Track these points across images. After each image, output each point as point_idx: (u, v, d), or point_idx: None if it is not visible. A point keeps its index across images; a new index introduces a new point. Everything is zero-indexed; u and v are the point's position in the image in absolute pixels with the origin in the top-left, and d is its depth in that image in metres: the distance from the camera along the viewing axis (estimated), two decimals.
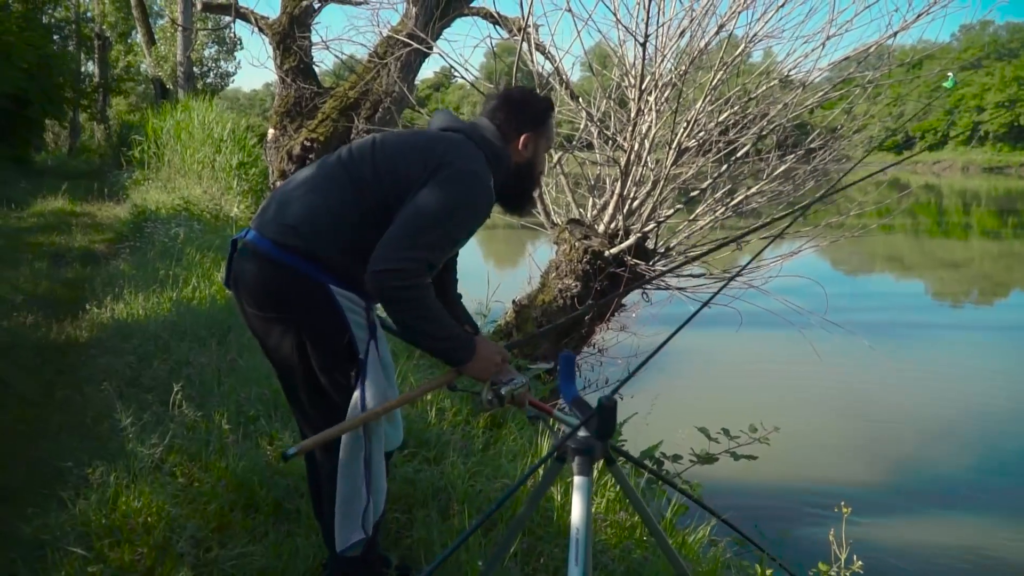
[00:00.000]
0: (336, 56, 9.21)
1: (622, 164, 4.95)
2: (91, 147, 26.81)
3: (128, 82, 30.19)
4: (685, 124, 4.97)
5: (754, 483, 5.00)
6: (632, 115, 4.97)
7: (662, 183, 5.03)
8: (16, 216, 10.90)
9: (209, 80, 28.79)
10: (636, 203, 5.20)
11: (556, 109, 4.73)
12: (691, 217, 5.45)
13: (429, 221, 1.97)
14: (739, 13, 4.80)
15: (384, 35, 8.22)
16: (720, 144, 5.25)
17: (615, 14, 4.97)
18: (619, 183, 5.03)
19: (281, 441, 3.30)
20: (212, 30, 22.70)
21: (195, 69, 23.25)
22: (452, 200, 2.00)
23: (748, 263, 2.45)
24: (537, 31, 5.53)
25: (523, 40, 5.27)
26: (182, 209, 9.73)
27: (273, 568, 2.51)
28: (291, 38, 8.97)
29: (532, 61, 5.46)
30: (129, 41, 29.47)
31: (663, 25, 4.87)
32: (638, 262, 5.08)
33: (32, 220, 10.74)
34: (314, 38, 9.18)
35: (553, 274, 5.26)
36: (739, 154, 5.37)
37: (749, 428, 4.46)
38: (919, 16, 4.81)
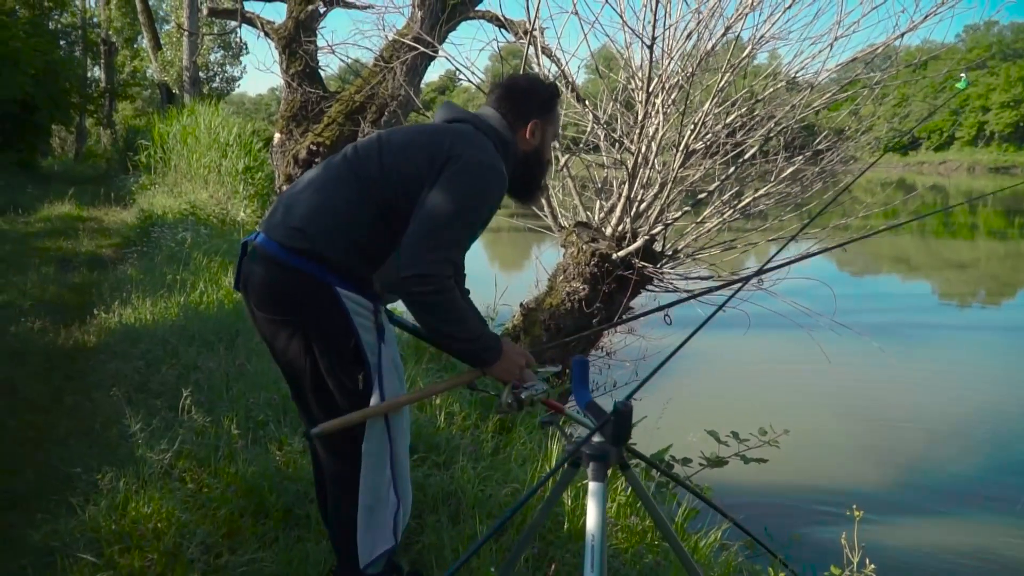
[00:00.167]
0: (342, 60, 9.20)
1: (629, 166, 4.93)
2: (97, 152, 26.94)
3: (134, 87, 30.32)
4: (692, 126, 4.95)
5: (763, 485, 4.98)
6: (639, 117, 4.95)
7: (669, 185, 5.01)
8: (23, 221, 10.94)
9: (215, 85, 28.97)
10: (643, 205, 5.18)
11: (563, 112, 4.72)
12: (699, 219, 5.43)
13: (446, 219, 1.96)
14: (746, 15, 4.78)
15: (390, 39, 8.23)
16: (727, 146, 5.23)
17: (621, 16, 4.96)
18: (626, 185, 5.02)
19: (291, 446, 3.29)
20: (218, 35, 22.79)
21: (201, 74, 23.32)
22: (465, 194, 1.99)
23: (763, 266, 2.43)
24: (543, 34, 5.53)
25: (529, 43, 5.26)
26: (189, 213, 9.76)
27: (283, 574, 2.51)
28: (297, 42, 8.99)
29: (538, 64, 5.45)
30: (135, 46, 29.65)
31: (670, 27, 4.86)
32: (646, 264, 5.06)
33: (39, 225, 10.78)
34: (320, 42, 9.22)
35: (561, 277, 5.24)
36: (747, 156, 5.35)
37: (759, 431, 4.44)
38: (927, 17, 4.78)
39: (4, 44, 14.93)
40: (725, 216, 5.30)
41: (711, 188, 5.37)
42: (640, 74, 5.00)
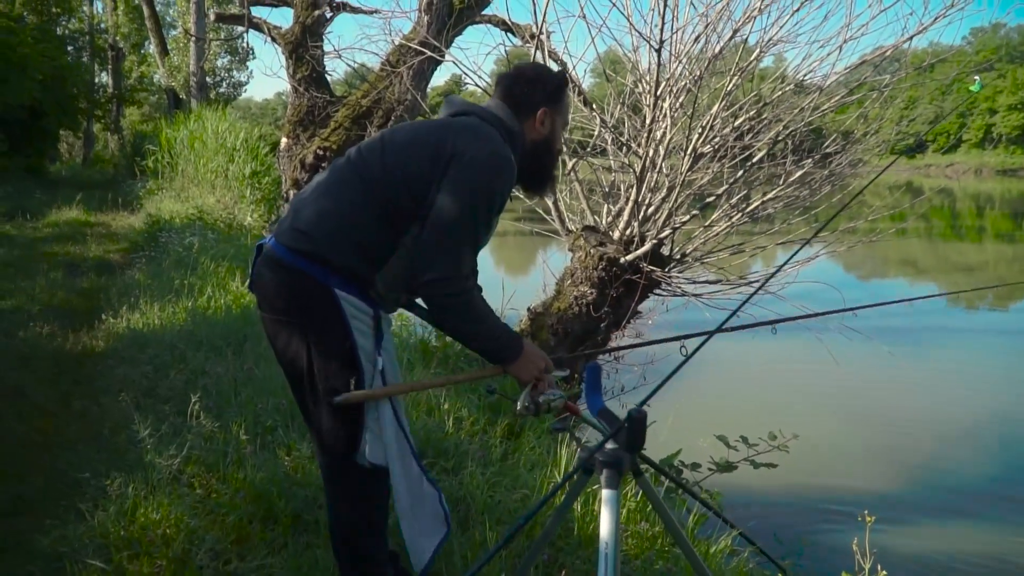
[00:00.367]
0: (348, 65, 9.24)
1: (637, 170, 4.92)
2: (105, 157, 27.04)
3: (141, 92, 30.47)
4: (700, 130, 4.94)
5: (772, 489, 4.95)
6: (647, 121, 4.94)
7: (677, 189, 5.00)
8: (31, 226, 10.99)
9: (222, 90, 29.05)
10: (651, 209, 5.17)
11: (571, 116, 4.71)
12: (707, 223, 5.41)
13: (458, 221, 1.96)
14: (754, 18, 4.76)
15: (396, 43, 8.22)
16: (735, 149, 5.21)
17: (629, 20, 4.95)
18: (634, 189, 5.00)
19: (299, 452, 3.29)
20: (225, 40, 22.86)
21: (208, 79, 23.41)
22: (472, 192, 1.99)
23: (777, 271, 2.41)
24: (550, 38, 5.51)
25: (536, 47, 5.25)
26: (196, 218, 9.78)
27: None
28: (304, 47, 8.99)
29: None
30: (142, 52, 29.75)
31: (678, 31, 4.84)
32: (654, 268, 5.04)
33: (47, 230, 10.82)
34: (326, 47, 9.19)
35: (568, 281, 5.23)
36: (755, 159, 5.33)
37: (768, 436, 4.41)
38: (936, 19, 4.77)
39: (12, 50, 15.00)
40: (733, 220, 5.28)
41: (719, 192, 5.35)
42: (648, 77, 4.99)
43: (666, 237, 5.22)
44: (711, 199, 5.41)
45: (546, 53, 5.43)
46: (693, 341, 1.95)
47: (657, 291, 5.38)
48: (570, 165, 5.48)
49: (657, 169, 5.01)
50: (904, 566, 4.34)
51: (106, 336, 5.42)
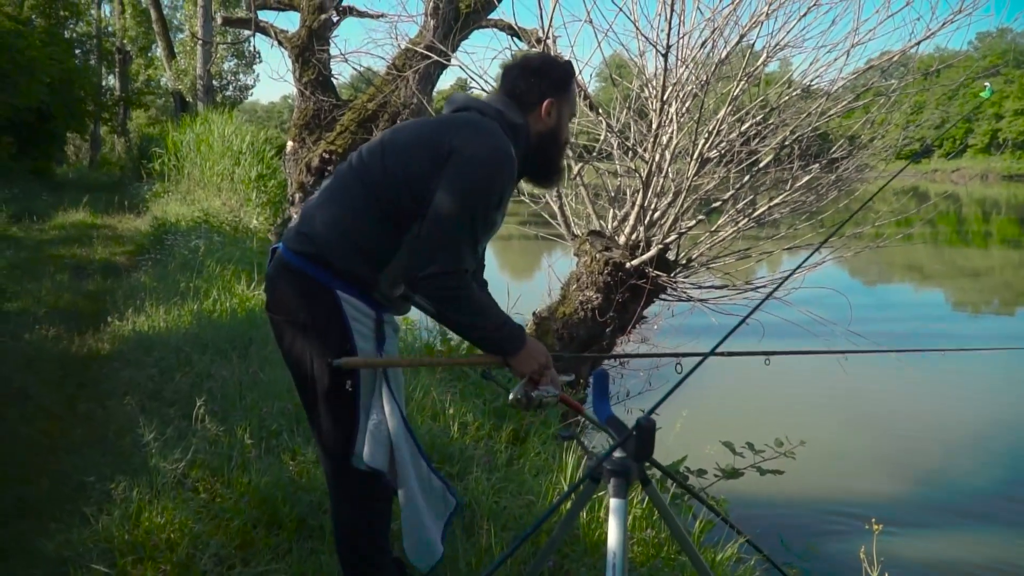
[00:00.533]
0: (355, 68, 9.18)
1: (643, 175, 4.91)
2: (112, 160, 27.13)
3: (148, 95, 30.57)
4: (706, 134, 4.92)
5: (779, 495, 4.92)
6: (653, 126, 4.92)
7: (683, 194, 4.98)
8: (38, 229, 11.02)
9: (228, 93, 29.12)
10: (657, 214, 5.15)
11: (576, 119, 4.69)
12: (713, 228, 5.39)
13: (454, 217, 1.96)
14: (761, 23, 4.75)
15: (402, 47, 8.22)
16: (742, 154, 5.20)
17: (635, 24, 4.94)
18: (640, 194, 4.99)
19: (304, 456, 3.28)
20: (232, 44, 22.94)
21: (214, 82, 23.48)
22: (469, 189, 1.98)
23: (787, 276, 2.40)
24: (556, 42, 5.50)
25: (542, 51, 5.24)
26: (202, 221, 9.80)
27: None
28: (310, 51, 9.00)
29: None
30: (149, 55, 29.89)
31: (684, 36, 4.83)
32: (659, 273, 5.03)
33: (54, 232, 10.84)
34: (333, 51, 9.20)
35: (574, 286, 5.22)
36: (761, 164, 5.32)
37: (775, 442, 4.40)
38: (943, 24, 4.75)
39: (20, 53, 15.05)
40: (739, 225, 5.26)
41: (725, 197, 5.34)
42: (654, 82, 4.98)
43: (672, 242, 5.20)
44: (717, 204, 5.39)
45: None
46: (689, 360, 1.94)
47: (663, 296, 5.36)
48: (576, 169, 5.47)
49: (663, 174, 5.00)
50: (910, 571, 4.31)
51: (112, 339, 5.42)
